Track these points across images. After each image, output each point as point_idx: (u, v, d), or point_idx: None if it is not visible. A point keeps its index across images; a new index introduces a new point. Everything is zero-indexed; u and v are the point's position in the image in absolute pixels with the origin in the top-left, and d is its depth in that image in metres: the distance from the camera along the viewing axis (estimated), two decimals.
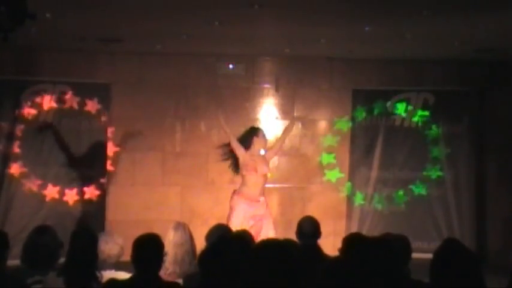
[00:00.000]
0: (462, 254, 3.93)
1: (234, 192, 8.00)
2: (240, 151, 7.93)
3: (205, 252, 4.16)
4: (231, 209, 7.89)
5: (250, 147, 7.94)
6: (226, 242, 4.25)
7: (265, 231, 7.71)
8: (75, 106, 9.16)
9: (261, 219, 7.88)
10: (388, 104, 9.62)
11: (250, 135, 8.03)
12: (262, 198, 7.97)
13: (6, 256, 4.40)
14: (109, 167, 9.36)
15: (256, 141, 7.95)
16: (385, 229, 7.66)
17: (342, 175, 9.67)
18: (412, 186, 9.56)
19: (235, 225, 7.41)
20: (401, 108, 9.63)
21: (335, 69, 9.87)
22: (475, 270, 3.84)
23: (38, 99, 9.01)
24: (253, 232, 7.63)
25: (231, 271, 3.94)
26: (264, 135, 8.05)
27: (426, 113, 9.60)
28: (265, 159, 7.99)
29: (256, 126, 8.52)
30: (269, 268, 3.48)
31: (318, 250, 5.44)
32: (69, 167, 9.12)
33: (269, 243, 3.82)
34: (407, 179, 9.60)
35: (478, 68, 9.65)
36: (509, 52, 8.70)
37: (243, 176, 7.96)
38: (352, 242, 4.25)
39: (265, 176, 7.97)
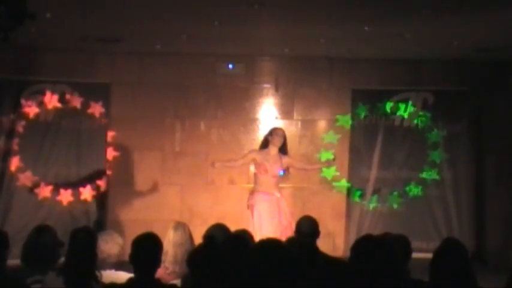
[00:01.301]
0: (461, 254, 3.94)
1: (250, 192, 8.24)
2: (253, 156, 8.22)
3: (192, 253, 4.17)
4: (250, 208, 8.09)
5: (266, 146, 8.21)
6: (213, 242, 4.26)
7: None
8: (75, 106, 9.16)
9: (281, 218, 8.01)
10: (388, 104, 9.62)
11: (266, 135, 8.36)
12: (278, 194, 8.13)
13: (6, 256, 4.41)
14: (109, 166, 9.36)
15: (270, 140, 8.19)
16: (385, 229, 7.66)
17: (338, 173, 9.63)
18: (407, 188, 9.56)
19: (258, 224, 7.84)
20: (400, 108, 9.62)
21: (334, 69, 9.86)
22: (472, 269, 3.88)
23: (37, 99, 9.02)
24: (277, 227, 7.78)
25: (219, 271, 3.95)
26: (277, 134, 8.23)
27: (426, 113, 9.60)
28: (279, 160, 8.14)
29: (275, 127, 8.61)
30: (269, 268, 3.48)
31: (316, 250, 5.45)
32: (68, 166, 9.12)
33: (269, 243, 3.82)
34: (406, 179, 9.60)
35: (477, 68, 9.64)
36: (509, 52, 8.70)
37: (255, 175, 8.25)
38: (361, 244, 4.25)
39: (275, 176, 8.12)
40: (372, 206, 9.56)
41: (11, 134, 8.94)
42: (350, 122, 9.64)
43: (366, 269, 3.67)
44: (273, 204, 8.05)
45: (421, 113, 9.59)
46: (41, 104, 9.04)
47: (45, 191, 9.02)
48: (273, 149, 8.15)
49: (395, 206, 9.53)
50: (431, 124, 9.59)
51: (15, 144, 8.95)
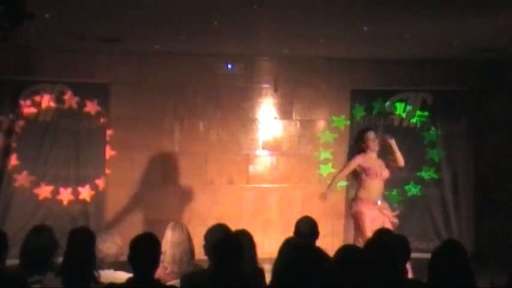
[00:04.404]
0: (460, 255, 3.95)
1: (353, 199, 7.80)
2: (357, 161, 7.71)
3: (219, 241, 4.31)
4: (360, 214, 7.62)
5: (365, 151, 7.73)
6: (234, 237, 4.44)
7: None
8: (74, 106, 9.16)
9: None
10: (387, 103, 9.61)
11: (360, 139, 7.83)
12: (379, 202, 7.72)
13: (5, 256, 4.41)
14: (107, 166, 9.35)
15: (368, 145, 7.72)
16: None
17: (333, 170, 9.61)
18: (406, 187, 9.55)
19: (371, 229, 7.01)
20: (400, 108, 9.61)
21: (333, 69, 9.87)
22: (470, 270, 3.89)
23: (37, 99, 9.01)
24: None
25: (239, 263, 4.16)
26: (370, 139, 7.76)
27: (425, 112, 9.59)
28: (382, 163, 7.77)
29: (362, 130, 8.13)
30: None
31: (315, 250, 5.43)
32: (67, 166, 9.11)
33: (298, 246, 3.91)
34: (405, 178, 9.58)
35: (476, 68, 9.65)
36: (508, 52, 8.70)
37: (361, 180, 7.73)
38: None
39: (384, 180, 7.79)
40: None
41: (9, 134, 8.93)
42: (345, 123, 9.63)
43: (365, 269, 3.68)
44: (376, 215, 7.60)
45: (419, 113, 9.59)
46: (39, 104, 9.02)
47: (44, 191, 9.02)
48: (373, 154, 7.72)
49: (395, 204, 9.51)
50: (429, 123, 9.58)
51: (14, 144, 8.93)
